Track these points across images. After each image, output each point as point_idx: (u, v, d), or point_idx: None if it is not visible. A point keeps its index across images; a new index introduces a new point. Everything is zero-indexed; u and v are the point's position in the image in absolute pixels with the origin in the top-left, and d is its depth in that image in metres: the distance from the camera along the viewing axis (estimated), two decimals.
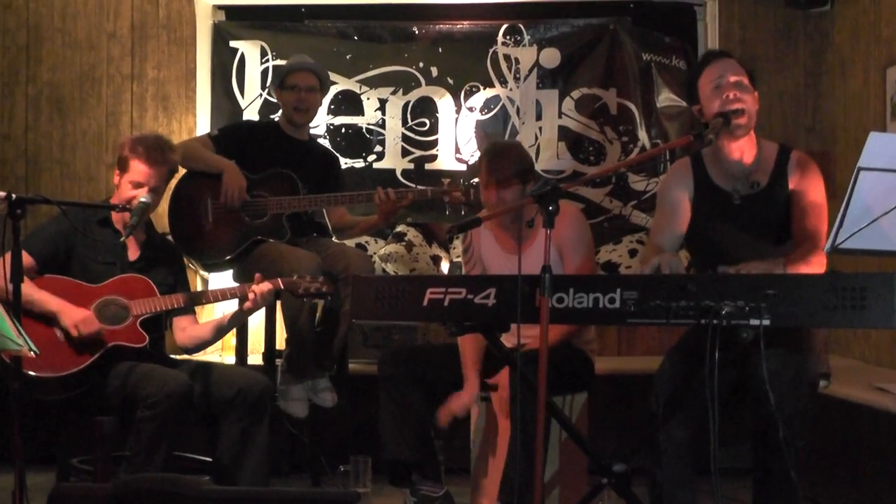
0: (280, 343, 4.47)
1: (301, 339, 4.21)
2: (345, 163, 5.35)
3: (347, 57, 5.70)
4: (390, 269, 5.36)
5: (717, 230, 3.31)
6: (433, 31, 5.72)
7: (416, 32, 5.73)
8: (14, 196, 3.04)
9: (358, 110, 5.72)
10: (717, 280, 2.66)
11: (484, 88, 5.68)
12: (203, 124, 5.65)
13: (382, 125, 5.71)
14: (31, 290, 3.47)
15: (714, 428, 2.65)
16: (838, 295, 2.51)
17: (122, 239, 3.59)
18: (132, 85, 5.72)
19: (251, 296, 3.65)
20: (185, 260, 4.13)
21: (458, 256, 5.33)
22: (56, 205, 3.41)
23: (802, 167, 3.24)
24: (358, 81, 5.70)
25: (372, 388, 3.85)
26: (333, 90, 5.60)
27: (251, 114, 5.68)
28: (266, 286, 3.67)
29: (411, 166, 5.69)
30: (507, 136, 5.60)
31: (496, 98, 5.68)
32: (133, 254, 3.76)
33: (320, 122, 5.62)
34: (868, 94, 5.00)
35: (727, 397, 3.05)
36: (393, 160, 5.69)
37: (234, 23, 5.78)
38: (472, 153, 5.62)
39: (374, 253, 5.44)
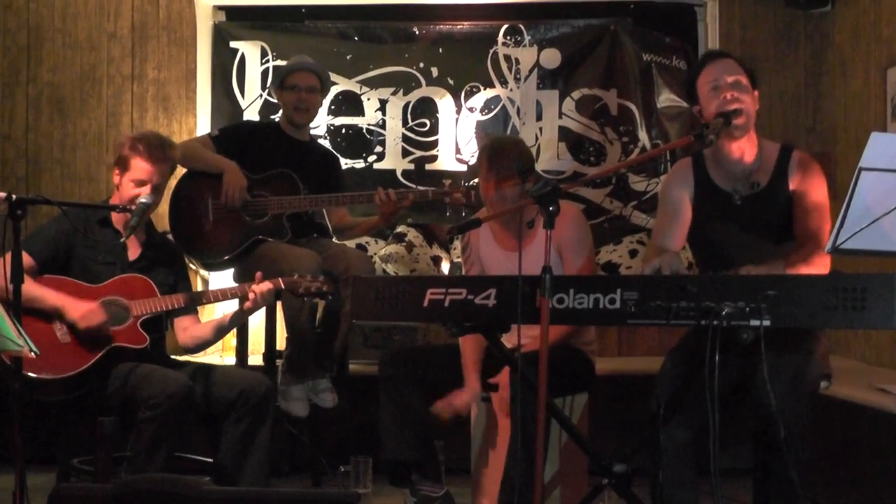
0: (280, 343, 4.47)
1: (301, 340, 4.21)
2: (345, 163, 5.35)
3: (348, 57, 5.70)
4: (391, 269, 5.36)
5: (717, 230, 3.31)
6: (433, 31, 5.72)
7: (417, 33, 5.73)
8: (14, 197, 3.04)
9: (358, 111, 5.72)
10: (718, 281, 2.66)
11: (484, 89, 5.68)
12: (203, 125, 5.65)
13: (383, 126, 5.71)
14: (32, 288, 3.48)
15: (714, 428, 2.65)
16: (839, 295, 2.51)
17: (122, 239, 3.59)
18: (132, 85, 5.73)
19: (251, 296, 3.65)
20: (185, 259, 4.13)
21: (458, 257, 5.33)
22: (56, 205, 3.41)
23: (804, 167, 3.23)
24: (358, 82, 5.70)
25: (372, 388, 3.85)
26: (334, 90, 5.60)
27: (251, 114, 5.68)
28: (266, 286, 3.66)
29: (412, 167, 5.69)
30: None
31: (496, 98, 5.68)
32: (133, 253, 3.76)
33: (321, 123, 5.62)
34: (868, 94, 4.99)
35: (727, 398, 3.05)
36: (393, 161, 5.69)
37: (234, 23, 5.78)
38: (472, 154, 5.62)
39: (375, 253, 5.44)
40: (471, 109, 5.68)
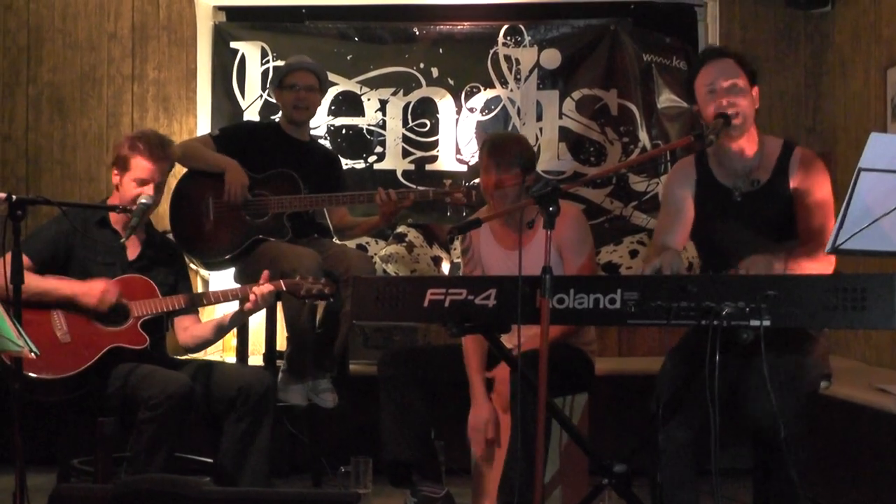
0: (281, 343, 4.47)
1: (301, 340, 4.22)
2: (345, 164, 5.35)
3: (348, 58, 5.70)
4: (391, 269, 5.36)
5: (718, 227, 3.31)
6: (434, 31, 5.72)
7: (417, 33, 5.73)
8: (14, 197, 3.04)
9: (358, 111, 5.72)
10: (718, 281, 2.66)
11: (484, 89, 5.68)
12: (203, 125, 5.65)
13: (383, 126, 5.71)
14: (41, 282, 3.48)
15: (714, 428, 2.65)
16: (839, 295, 2.51)
17: (122, 240, 3.59)
18: (133, 86, 5.73)
19: (252, 297, 3.65)
20: (185, 259, 4.14)
21: (458, 258, 5.33)
22: (56, 205, 3.42)
23: (806, 164, 3.22)
24: (358, 82, 5.70)
25: (373, 388, 3.85)
26: (334, 91, 5.60)
27: (252, 115, 5.68)
28: (267, 288, 3.67)
29: (412, 167, 5.69)
30: None
31: (497, 99, 5.68)
32: (133, 253, 3.76)
33: (321, 123, 5.62)
34: (868, 94, 4.99)
35: (728, 398, 3.04)
36: (393, 161, 5.69)
37: (234, 24, 5.78)
38: (472, 154, 5.62)
39: (375, 254, 5.44)
40: (471, 110, 5.68)
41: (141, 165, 3.67)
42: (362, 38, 5.74)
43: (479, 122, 5.68)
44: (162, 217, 4.49)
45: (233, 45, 5.72)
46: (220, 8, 5.78)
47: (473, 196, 4.28)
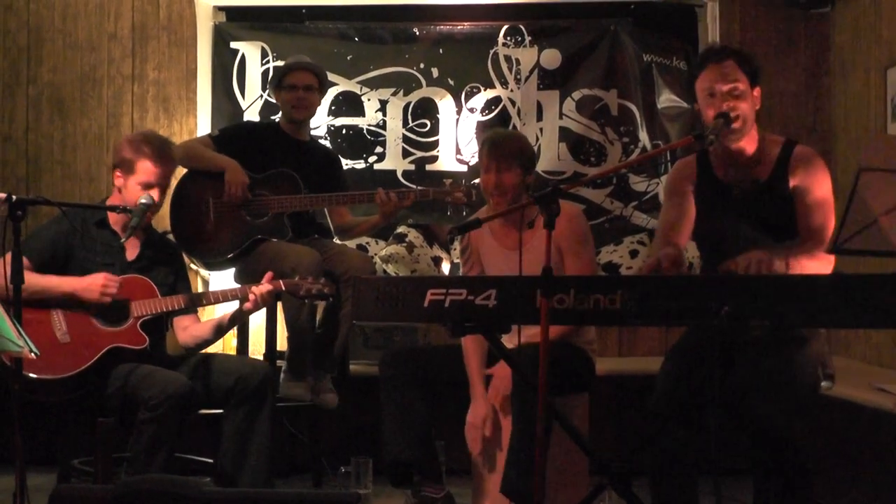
0: (281, 343, 4.47)
1: (301, 340, 4.22)
2: (345, 164, 5.34)
3: (348, 58, 5.70)
4: (391, 270, 5.36)
5: (718, 226, 3.31)
6: (434, 32, 5.72)
7: (417, 33, 5.72)
8: (14, 197, 3.04)
9: (358, 111, 5.72)
10: (718, 281, 2.66)
11: (485, 89, 5.68)
12: (204, 125, 5.65)
13: (383, 126, 5.71)
14: (41, 280, 3.49)
15: (714, 428, 2.65)
16: (839, 295, 2.51)
17: (122, 241, 3.59)
18: (133, 86, 5.73)
19: (251, 297, 3.65)
20: (185, 259, 4.14)
21: (458, 258, 5.33)
22: (56, 206, 3.42)
23: (806, 163, 3.22)
24: (358, 82, 5.70)
25: (373, 389, 3.85)
26: (334, 91, 5.60)
27: (252, 115, 5.68)
28: (266, 288, 3.67)
29: (412, 167, 5.69)
30: None
31: (497, 99, 5.68)
32: (132, 254, 3.76)
33: (321, 124, 5.62)
34: (869, 94, 4.99)
35: (727, 398, 3.05)
36: (394, 161, 5.69)
37: (234, 24, 5.78)
38: (472, 154, 5.62)
39: (375, 254, 5.44)
40: (471, 110, 5.68)
41: (147, 169, 3.67)
42: (362, 39, 5.74)
43: (479, 123, 5.67)
44: (162, 217, 4.49)
45: (233, 45, 5.71)
46: (220, 8, 5.78)
47: (473, 196, 4.29)
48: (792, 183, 3.20)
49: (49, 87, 5.72)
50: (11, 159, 5.71)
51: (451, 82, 5.69)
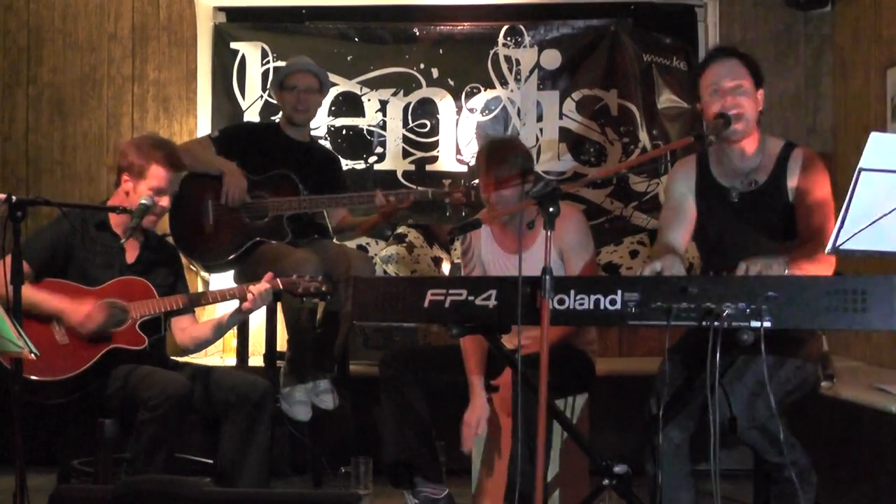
0: (281, 344, 4.47)
1: (301, 340, 4.22)
2: (346, 164, 5.35)
3: (348, 58, 5.70)
4: (391, 270, 5.36)
5: (717, 227, 3.30)
6: (434, 32, 5.72)
7: (417, 34, 5.73)
8: (14, 198, 3.03)
9: (359, 112, 5.72)
10: (718, 282, 2.66)
11: (485, 90, 5.68)
12: (204, 126, 5.65)
13: (383, 126, 5.71)
14: (31, 294, 3.46)
15: (715, 428, 2.65)
16: (839, 297, 2.51)
17: (121, 241, 3.59)
18: (133, 86, 5.73)
19: (250, 296, 3.65)
20: (184, 260, 4.13)
21: (458, 258, 5.33)
22: (56, 206, 3.41)
23: (806, 165, 3.21)
24: (359, 83, 5.71)
25: (373, 389, 3.85)
26: (334, 91, 5.60)
27: (252, 115, 5.68)
28: (264, 286, 3.66)
29: (412, 168, 5.70)
30: None
31: (497, 99, 5.68)
32: (131, 256, 3.75)
33: (321, 124, 5.63)
34: (869, 94, 4.99)
35: (725, 397, 3.04)
36: (394, 161, 5.70)
37: (234, 24, 5.78)
38: (472, 155, 5.62)
39: (376, 254, 5.44)
40: (471, 110, 5.68)
41: (159, 174, 3.65)
42: (362, 39, 5.74)
43: (479, 123, 5.68)
44: (162, 219, 4.48)
45: (233, 45, 5.72)
46: (221, 8, 5.78)
47: (473, 196, 4.29)
48: (791, 184, 3.20)
49: (49, 88, 5.72)
50: (11, 160, 5.72)
51: (451, 82, 5.69)
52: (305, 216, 4.47)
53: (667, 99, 5.59)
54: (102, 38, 5.73)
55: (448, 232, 5.02)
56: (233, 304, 3.84)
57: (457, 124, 5.69)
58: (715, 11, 5.62)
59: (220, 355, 5.25)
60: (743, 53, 3.28)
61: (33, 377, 3.40)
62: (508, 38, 5.68)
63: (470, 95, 5.68)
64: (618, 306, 2.68)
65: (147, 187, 3.65)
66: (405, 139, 5.70)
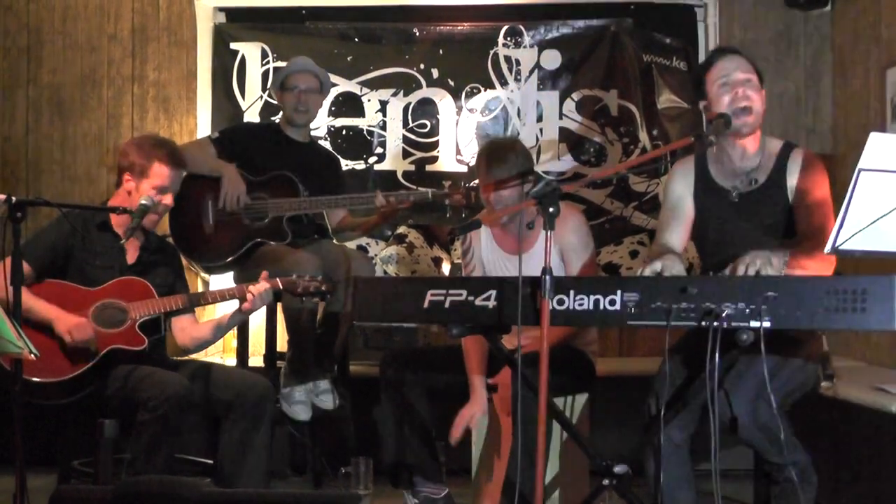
0: (281, 345, 4.47)
1: (302, 340, 4.22)
2: (345, 164, 5.35)
3: (348, 58, 5.70)
4: (391, 270, 5.36)
5: (716, 228, 3.30)
6: (434, 32, 5.72)
7: (417, 34, 5.72)
8: (14, 199, 3.04)
9: (359, 112, 5.72)
10: (718, 282, 2.66)
11: (485, 90, 5.68)
12: (204, 126, 5.65)
13: (383, 127, 5.71)
14: (27, 299, 3.45)
15: (715, 428, 2.65)
16: (839, 297, 2.51)
17: (122, 241, 3.59)
18: (133, 87, 5.73)
19: (249, 296, 3.65)
20: (184, 261, 4.13)
21: (458, 258, 5.33)
22: (56, 207, 3.41)
23: (805, 165, 3.22)
24: (359, 83, 5.70)
25: (373, 389, 3.85)
26: (334, 92, 5.59)
27: (252, 116, 5.68)
28: (263, 286, 3.67)
29: (412, 168, 5.70)
30: None
31: (497, 99, 5.68)
32: (132, 257, 3.75)
33: (321, 124, 5.62)
34: (868, 95, 4.99)
35: (725, 397, 3.04)
36: (394, 162, 5.70)
37: (234, 24, 5.78)
38: (472, 155, 5.61)
39: (376, 255, 5.44)
40: (471, 110, 5.68)
41: (163, 173, 3.66)
42: (362, 39, 5.74)
43: (479, 123, 5.68)
44: (162, 220, 4.49)
45: (233, 45, 5.72)
46: (221, 9, 5.78)
47: (473, 198, 4.28)
48: (790, 185, 3.20)
49: (49, 89, 5.72)
50: (11, 160, 5.72)
51: (451, 83, 5.69)
52: (305, 217, 4.47)
53: (667, 99, 5.59)
54: (102, 39, 5.73)
55: (448, 232, 5.03)
56: (233, 305, 3.84)
57: (457, 124, 5.69)
58: (715, 11, 5.62)
59: (220, 355, 5.25)
60: (746, 55, 3.30)
61: (35, 379, 3.40)
62: (508, 39, 5.68)
63: (470, 95, 5.68)
64: (617, 307, 2.69)
65: (150, 186, 3.66)
66: (405, 139, 5.70)
